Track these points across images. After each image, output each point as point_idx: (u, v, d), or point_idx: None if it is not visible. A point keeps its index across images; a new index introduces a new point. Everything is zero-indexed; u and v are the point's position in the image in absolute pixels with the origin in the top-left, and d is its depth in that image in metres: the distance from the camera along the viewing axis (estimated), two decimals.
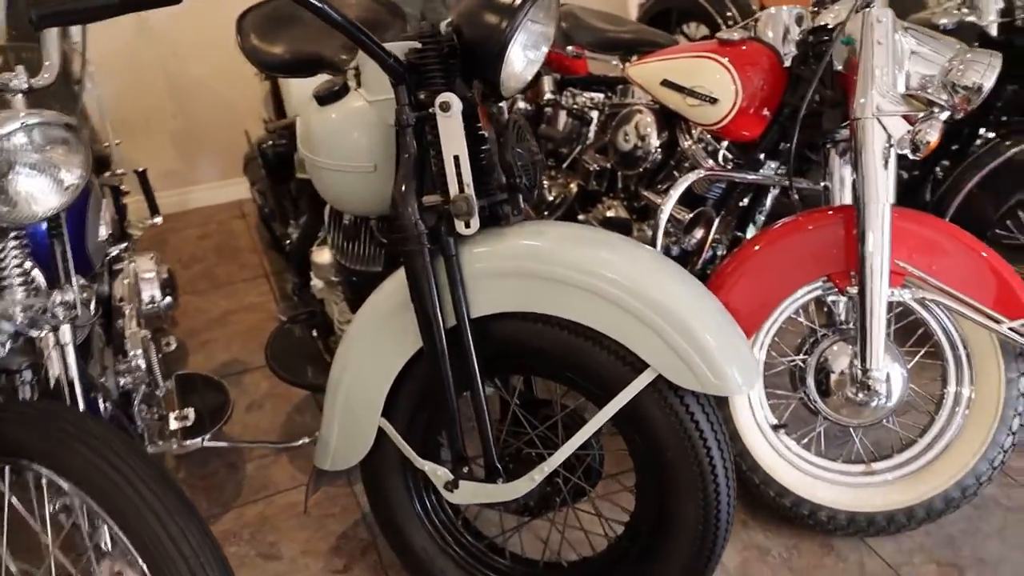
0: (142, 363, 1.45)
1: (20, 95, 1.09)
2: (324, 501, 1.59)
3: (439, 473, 1.18)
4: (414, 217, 1.09)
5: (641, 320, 1.05)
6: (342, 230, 1.46)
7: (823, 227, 1.48)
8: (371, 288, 1.53)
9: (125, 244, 1.71)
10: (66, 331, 1.09)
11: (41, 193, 0.94)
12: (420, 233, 1.09)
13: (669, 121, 1.80)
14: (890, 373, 1.42)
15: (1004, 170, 1.82)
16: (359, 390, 1.23)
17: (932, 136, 1.33)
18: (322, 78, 1.82)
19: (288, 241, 2.01)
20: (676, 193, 1.60)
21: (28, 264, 1.05)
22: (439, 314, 1.11)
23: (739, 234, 1.80)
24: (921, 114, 1.39)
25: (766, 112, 1.61)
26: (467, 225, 1.09)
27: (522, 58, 1.08)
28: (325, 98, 1.26)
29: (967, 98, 1.33)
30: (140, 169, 1.84)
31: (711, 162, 1.72)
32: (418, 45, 1.12)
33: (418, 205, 1.10)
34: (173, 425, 1.48)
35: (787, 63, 1.60)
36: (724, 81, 1.59)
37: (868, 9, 1.40)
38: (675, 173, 1.80)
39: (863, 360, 1.39)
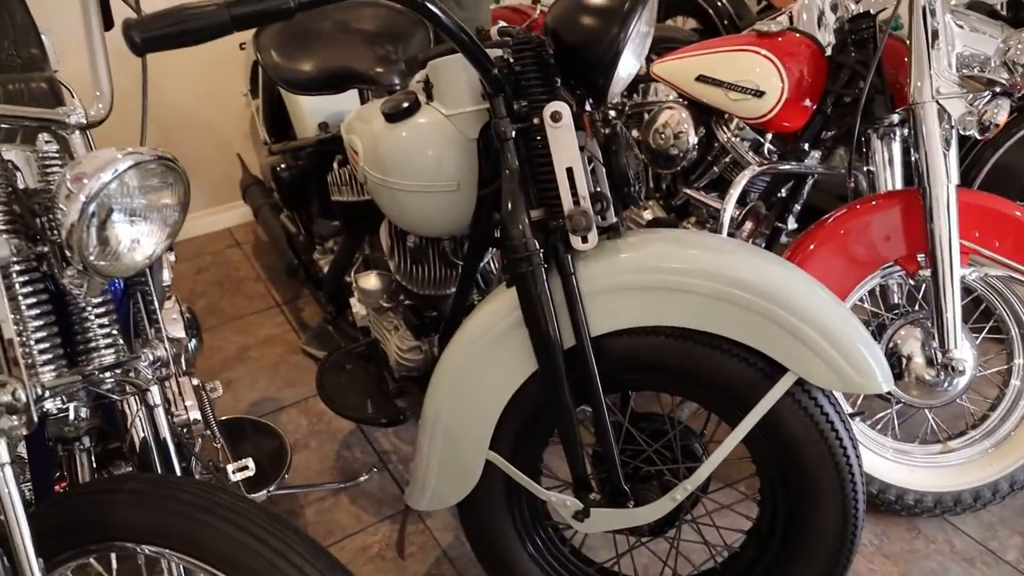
0: (197, 415, 1.34)
1: (78, 132, 0.98)
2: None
3: (568, 503, 1.12)
4: (526, 235, 1.03)
5: (776, 323, 1.01)
6: (407, 253, 1.38)
7: (883, 213, 1.47)
8: (438, 312, 1.47)
9: None
10: (155, 392, 0.98)
11: (144, 240, 0.83)
12: (534, 251, 1.03)
13: (703, 116, 1.78)
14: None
15: (1020, 147, 1.87)
16: (463, 423, 1.16)
17: (1000, 116, 1.34)
18: (351, 94, 1.74)
19: (311, 269, 1.91)
20: (736, 191, 1.58)
21: (108, 321, 0.93)
22: (559, 336, 1.05)
23: (779, 225, 1.80)
24: (971, 94, 1.41)
25: (808, 103, 1.61)
26: (584, 240, 1.03)
27: (631, 62, 1.03)
28: (395, 115, 1.19)
29: None
30: None
31: (753, 155, 1.71)
32: (498, 52, 1.07)
33: (528, 222, 1.03)
34: (233, 478, 1.37)
35: (827, 52, 1.60)
36: (769, 73, 1.57)
37: None
38: (714, 168, 1.78)
39: (942, 342, 1.40)
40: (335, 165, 1.62)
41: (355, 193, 1.52)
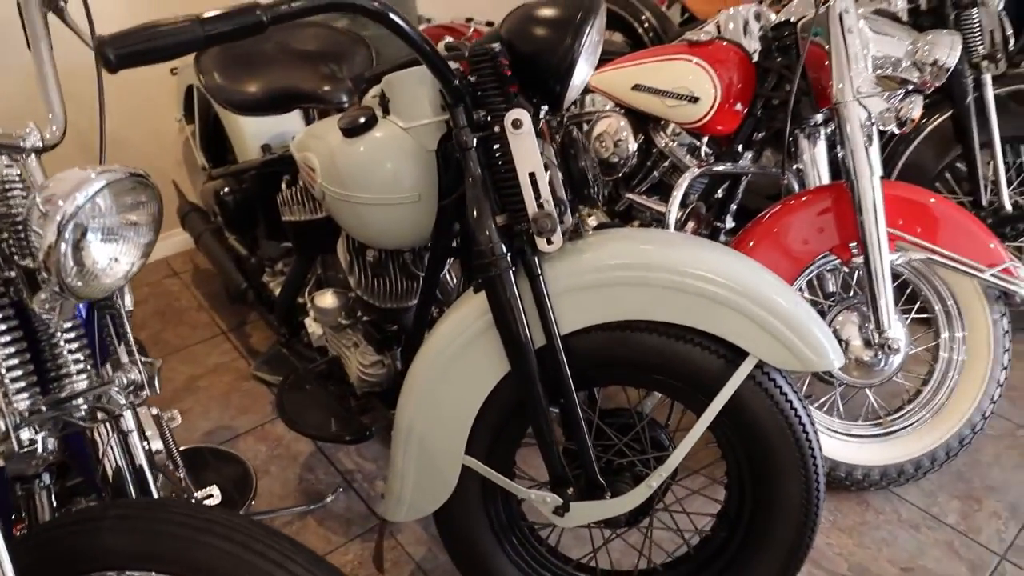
0: (159, 444, 1.30)
1: (34, 155, 0.95)
2: (370, 558, 1.49)
3: (548, 500, 1.14)
4: (493, 240, 1.06)
5: (733, 308, 1.06)
6: (367, 267, 1.38)
7: (815, 207, 1.57)
8: (399, 325, 1.47)
9: None
10: (129, 417, 0.96)
11: (119, 259, 0.82)
12: (501, 255, 1.06)
13: (640, 124, 1.86)
14: None
15: (928, 142, 2.02)
16: (437, 430, 1.17)
17: (915, 112, 1.45)
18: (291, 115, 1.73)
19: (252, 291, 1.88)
20: (679, 193, 1.65)
21: (79, 345, 0.91)
22: (530, 337, 1.08)
23: (718, 224, 1.88)
24: (887, 93, 1.52)
25: (740, 107, 1.70)
26: (549, 242, 1.06)
27: (585, 70, 1.08)
28: (353, 129, 1.20)
29: (936, 74, 1.47)
30: None
31: (691, 158, 1.79)
32: (454, 65, 1.10)
33: (495, 227, 1.06)
34: None
35: (754, 58, 1.70)
36: (702, 80, 1.66)
37: (831, 1, 1.51)
38: (654, 173, 1.85)
39: (878, 324, 1.49)
40: (283, 186, 1.61)
41: (308, 212, 1.52)
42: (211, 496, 1.37)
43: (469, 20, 2.37)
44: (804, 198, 1.59)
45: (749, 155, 1.77)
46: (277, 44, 1.68)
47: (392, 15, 0.91)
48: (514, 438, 1.23)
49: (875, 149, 1.49)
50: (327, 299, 1.56)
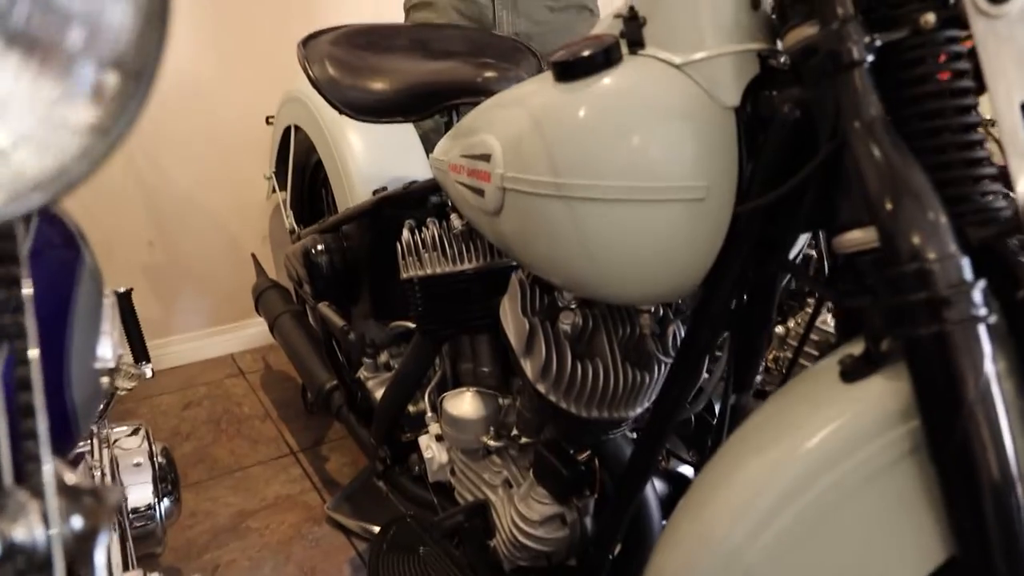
0: None
1: None
2: None
3: None
4: (944, 249, 0.46)
5: None
6: (559, 342, 0.78)
7: None
8: (597, 454, 0.85)
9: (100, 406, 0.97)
10: None
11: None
12: (967, 286, 0.45)
13: None
14: None
15: None
16: None
17: None
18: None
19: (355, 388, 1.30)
20: None
21: None
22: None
23: None
24: None
25: None
26: None
27: None
28: (576, 65, 0.65)
29: None
30: (122, 290, 1.14)
31: None
32: None
33: (948, 219, 0.47)
34: None
35: None
36: None
37: None
38: None
39: None
40: (406, 232, 1.07)
41: (448, 261, 0.96)
42: None
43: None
44: None
45: None
46: (413, 42, 1.21)
47: None
48: None
49: None
50: (466, 404, 0.96)
